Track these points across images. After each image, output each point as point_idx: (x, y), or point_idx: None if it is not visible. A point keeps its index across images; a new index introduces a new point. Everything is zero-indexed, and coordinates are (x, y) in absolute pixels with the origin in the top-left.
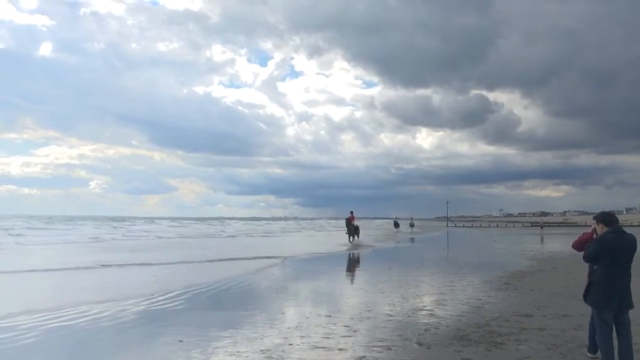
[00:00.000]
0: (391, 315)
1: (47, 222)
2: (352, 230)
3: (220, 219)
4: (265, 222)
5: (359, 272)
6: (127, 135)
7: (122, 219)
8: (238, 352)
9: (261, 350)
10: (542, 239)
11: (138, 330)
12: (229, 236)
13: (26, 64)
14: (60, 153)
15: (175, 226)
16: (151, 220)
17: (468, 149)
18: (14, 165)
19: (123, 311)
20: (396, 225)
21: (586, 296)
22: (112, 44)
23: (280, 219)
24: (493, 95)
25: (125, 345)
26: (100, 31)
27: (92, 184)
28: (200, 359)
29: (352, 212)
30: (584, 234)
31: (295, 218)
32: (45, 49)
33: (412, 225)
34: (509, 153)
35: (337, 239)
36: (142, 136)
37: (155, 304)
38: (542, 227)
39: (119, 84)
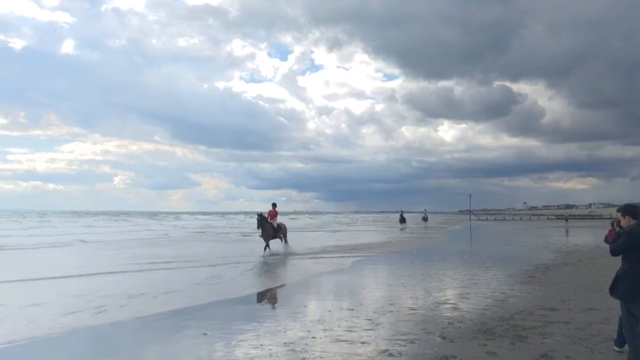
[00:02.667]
0: (414, 309)
1: (95, 219)
2: (269, 233)
3: (244, 213)
4: (294, 216)
5: (382, 267)
6: (150, 131)
7: (154, 214)
8: (262, 345)
9: (284, 343)
10: (567, 232)
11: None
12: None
13: (49, 61)
14: (84, 149)
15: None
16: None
17: (491, 141)
18: (40, 161)
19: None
20: (402, 220)
21: (613, 290)
22: (133, 40)
23: (301, 213)
24: (517, 87)
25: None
26: (121, 27)
27: (116, 179)
28: (224, 352)
29: (273, 206)
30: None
31: (317, 212)
32: (68, 46)
33: (425, 220)
34: (533, 145)
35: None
36: (165, 132)
37: None
38: (566, 220)
39: (140, 80)
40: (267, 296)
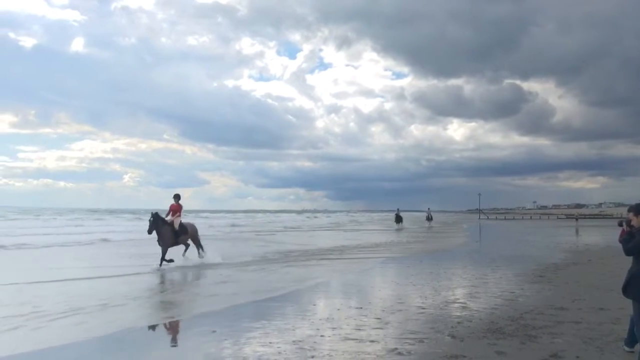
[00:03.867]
0: (423, 308)
1: (114, 216)
2: (167, 238)
3: (252, 211)
4: (305, 215)
5: (391, 265)
6: (159, 129)
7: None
8: (270, 342)
9: (293, 341)
10: (577, 231)
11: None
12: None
13: (59, 60)
14: (94, 147)
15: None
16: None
17: (501, 140)
18: (50, 159)
19: None
20: (398, 219)
21: (627, 289)
22: (143, 38)
23: (310, 211)
24: (527, 85)
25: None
26: (130, 26)
27: (126, 177)
28: (233, 349)
29: (176, 198)
30: None
31: (325, 211)
32: (78, 45)
33: (429, 219)
34: (543, 144)
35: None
36: (174, 130)
37: None
38: (577, 219)
39: (150, 79)
40: (276, 296)
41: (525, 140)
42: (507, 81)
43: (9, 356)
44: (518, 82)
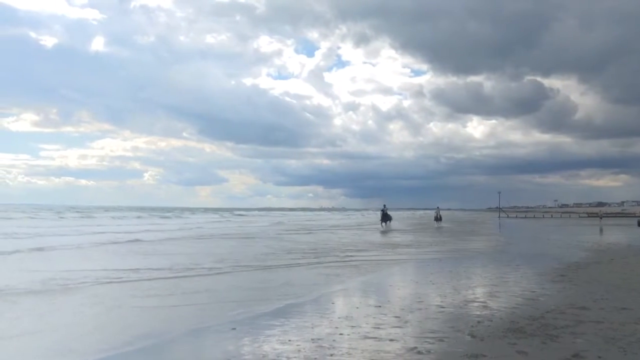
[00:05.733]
0: (442, 307)
1: (143, 214)
2: None
3: (271, 209)
4: (349, 213)
5: (410, 264)
6: (178, 127)
7: (193, 210)
8: (290, 340)
9: (312, 339)
10: (601, 230)
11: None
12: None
13: (80, 59)
14: (114, 145)
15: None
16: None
17: (521, 137)
18: (72, 157)
19: None
20: (384, 217)
21: None
22: (162, 36)
23: (329, 209)
24: (548, 82)
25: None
26: (149, 24)
27: (146, 175)
28: (253, 347)
29: None
30: None
31: (343, 209)
32: (98, 43)
33: (438, 219)
34: (564, 141)
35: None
36: (193, 128)
37: None
38: (601, 218)
39: (168, 77)
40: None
41: (547, 137)
42: (528, 78)
43: None
44: (539, 78)
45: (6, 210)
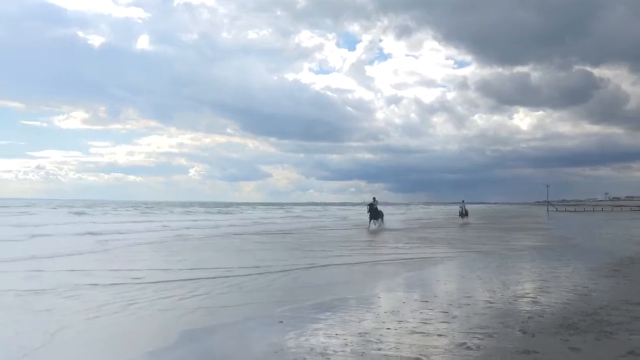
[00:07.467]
0: (491, 302)
1: (193, 209)
2: None
3: (314, 204)
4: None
5: (455, 259)
6: (222, 123)
7: (238, 205)
8: (337, 334)
9: (359, 333)
10: None
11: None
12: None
13: (126, 57)
14: (161, 142)
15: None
16: (254, 205)
17: (570, 129)
18: (120, 154)
19: None
20: (374, 214)
21: None
22: (205, 33)
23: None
24: (598, 71)
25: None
26: (193, 21)
27: (192, 171)
28: (300, 340)
29: None
30: None
31: (386, 203)
32: (143, 42)
33: (463, 214)
34: (615, 132)
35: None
36: (236, 124)
37: None
38: None
39: (212, 74)
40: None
41: (597, 129)
42: (577, 67)
43: None
44: (588, 68)
45: (72, 206)
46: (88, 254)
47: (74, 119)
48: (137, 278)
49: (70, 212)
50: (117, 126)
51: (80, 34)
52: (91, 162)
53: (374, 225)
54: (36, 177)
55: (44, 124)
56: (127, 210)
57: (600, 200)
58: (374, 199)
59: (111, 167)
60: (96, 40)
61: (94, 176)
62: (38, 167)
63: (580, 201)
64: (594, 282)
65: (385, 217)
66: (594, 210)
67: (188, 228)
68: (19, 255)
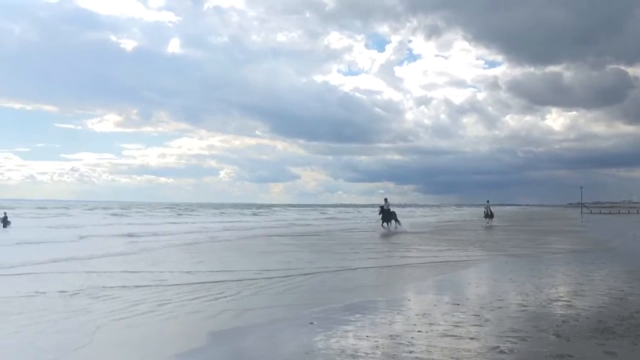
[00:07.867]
0: (524, 306)
1: (226, 211)
2: None
3: (343, 205)
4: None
5: (484, 261)
6: (251, 126)
7: (268, 206)
8: (367, 336)
9: (390, 336)
10: None
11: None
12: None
13: (158, 60)
14: (191, 144)
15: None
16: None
17: (605, 129)
18: (152, 156)
19: None
20: (386, 216)
21: None
22: (234, 36)
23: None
24: (632, 70)
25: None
26: (222, 25)
27: (222, 173)
28: (331, 341)
29: None
30: None
31: (415, 205)
32: (174, 45)
33: (489, 216)
34: None
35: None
36: (265, 126)
37: None
38: None
39: (241, 76)
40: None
41: (632, 129)
42: (611, 67)
43: None
44: (623, 67)
45: (108, 208)
46: (131, 255)
47: (107, 122)
48: (188, 275)
49: (107, 213)
50: (149, 129)
51: (113, 38)
52: (124, 164)
53: (388, 228)
54: (70, 179)
55: (78, 127)
56: (162, 212)
57: (635, 202)
58: (385, 200)
59: (143, 169)
60: (128, 44)
61: (126, 178)
62: (72, 169)
63: (615, 203)
64: (630, 285)
65: (416, 220)
66: (629, 213)
67: (227, 230)
68: (74, 254)
